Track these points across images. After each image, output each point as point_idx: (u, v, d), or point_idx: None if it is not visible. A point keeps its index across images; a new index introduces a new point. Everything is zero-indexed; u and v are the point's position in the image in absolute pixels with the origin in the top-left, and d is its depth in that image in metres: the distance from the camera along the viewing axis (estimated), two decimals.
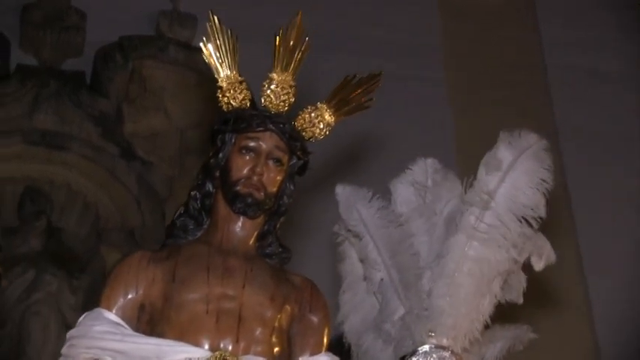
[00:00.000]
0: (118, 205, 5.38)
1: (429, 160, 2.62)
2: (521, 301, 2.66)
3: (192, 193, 2.24)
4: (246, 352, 2.00)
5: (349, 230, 2.54)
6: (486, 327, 2.51)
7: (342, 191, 2.59)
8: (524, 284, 2.65)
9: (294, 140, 2.20)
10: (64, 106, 5.38)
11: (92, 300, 4.79)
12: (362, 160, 5.03)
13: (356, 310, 2.60)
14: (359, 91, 2.27)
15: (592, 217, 5.69)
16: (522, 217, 2.46)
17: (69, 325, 4.67)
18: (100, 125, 5.42)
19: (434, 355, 2.34)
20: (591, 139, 6.08)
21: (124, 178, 5.38)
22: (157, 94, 5.63)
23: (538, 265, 2.61)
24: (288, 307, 2.12)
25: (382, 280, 2.48)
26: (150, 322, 2.06)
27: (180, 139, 5.62)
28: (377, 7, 6.21)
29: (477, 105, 6.11)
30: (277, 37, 2.22)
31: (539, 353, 4.24)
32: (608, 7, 6.31)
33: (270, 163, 2.17)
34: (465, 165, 5.29)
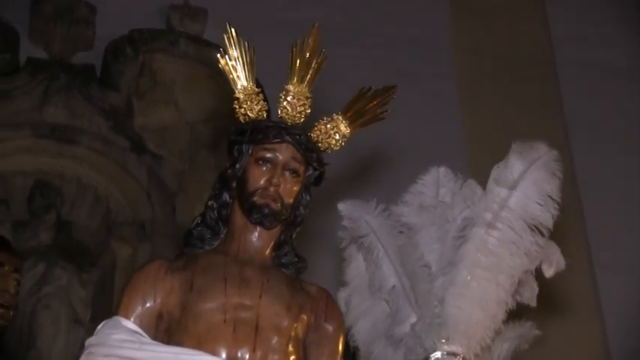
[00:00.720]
0: (128, 198, 5.41)
1: (442, 170, 2.64)
2: (535, 304, 2.70)
3: (210, 203, 2.27)
4: None
5: (358, 239, 2.57)
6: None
7: (345, 207, 2.62)
8: (536, 289, 2.69)
9: (310, 151, 2.22)
10: (74, 99, 5.40)
11: (102, 293, 4.89)
12: (372, 157, 5.03)
13: (365, 315, 2.63)
14: (374, 102, 2.29)
15: (603, 213, 5.66)
16: (534, 226, 2.49)
17: (79, 319, 4.75)
18: (110, 119, 5.43)
19: None
20: (602, 133, 6.08)
21: (135, 172, 5.40)
22: (168, 88, 5.65)
23: (548, 272, 2.65)
24: (304, 317, 2.15)
25: (394, 287, 2.50)
26: (167, 330, 2.08)
27: (190, 132, 5.63)
28: (387, 3, 6.20)
29: (486, 100, 6.11)
30: (294, 49, 2.24)
31: (550, 353, 4.30)
32: (617, 3, 6.30)
33: (287, 174, 2.19)
34: (476, 161, 5.37)
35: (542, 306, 2.73)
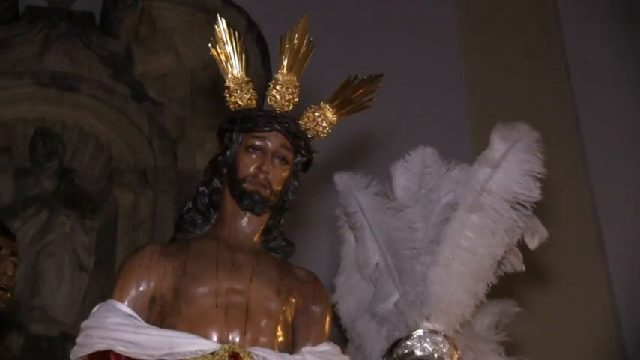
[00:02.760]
0: (129, 145, 5.44)
1: (428, 150, 2.71)
2: (523, 268, 2.79)
3: (201, 189, 2.34)
4: (253, 343, 2.10)
5: (350, 217, 2.64)
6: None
7: (340, 180, 2.70)
8: (520, 255, 2.78)
9: (298, 139, 2.28)
10: (74, 47, 5.41)
11: (106, 240, 4.99)
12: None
13: (351, 292, 2.72)
14: (360, 91, 2.35)
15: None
16: (517, 204, 2.57)
17: (83, 266, 4.86)
18: (110, 66, 5.45)
19: (427, 340, 2.46)
20: (604, 77, 6.05)
21: (136, 119, 5.43)
22: (167, 35, 5.64)
23: (532, 244, 2.74)
24: (292, 300, 2.24)
25: (378, 264, 2.59)
26: (161, 313, 2.17)
27: (190, 79, 5.65)
28: None
29: (487, 45, 6.11)
30: (282, 39, 2.29)
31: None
32: None
33: (276, 161, 2.26)
34: (476, 114, 5.41)
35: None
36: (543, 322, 4.73)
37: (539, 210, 2.65)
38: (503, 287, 2.79)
